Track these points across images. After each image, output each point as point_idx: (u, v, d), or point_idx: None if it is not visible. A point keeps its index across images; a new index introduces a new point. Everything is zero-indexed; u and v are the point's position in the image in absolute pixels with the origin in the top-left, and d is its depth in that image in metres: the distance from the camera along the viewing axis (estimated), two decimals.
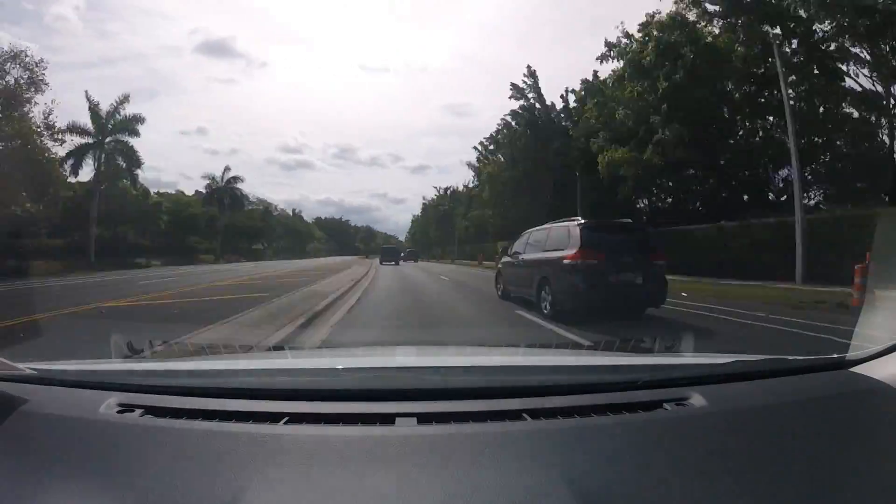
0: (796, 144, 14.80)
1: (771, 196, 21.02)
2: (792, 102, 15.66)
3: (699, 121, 18.68)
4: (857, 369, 1.20)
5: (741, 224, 17.60)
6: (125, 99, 31.50)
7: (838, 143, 18.33)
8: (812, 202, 19.05)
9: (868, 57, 15.79)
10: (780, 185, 20.51)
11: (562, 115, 29.48)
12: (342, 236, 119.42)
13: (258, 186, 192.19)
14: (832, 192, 19.63)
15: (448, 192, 60.52)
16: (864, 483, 0.84)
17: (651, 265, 7.06)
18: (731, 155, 20.34)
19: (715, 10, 17.44)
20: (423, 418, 0.97)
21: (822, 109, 18.00)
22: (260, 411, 1.00)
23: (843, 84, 17.24)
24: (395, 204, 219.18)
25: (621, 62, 20.95)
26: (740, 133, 20.84)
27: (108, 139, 31.52)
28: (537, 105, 29.54)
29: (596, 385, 1.18)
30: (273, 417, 0.98)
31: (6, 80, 21.88)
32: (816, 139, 18.44)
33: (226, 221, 50.68)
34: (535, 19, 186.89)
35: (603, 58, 21.90)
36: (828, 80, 17.13)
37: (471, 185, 46.87)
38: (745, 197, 21.26)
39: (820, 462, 0.88)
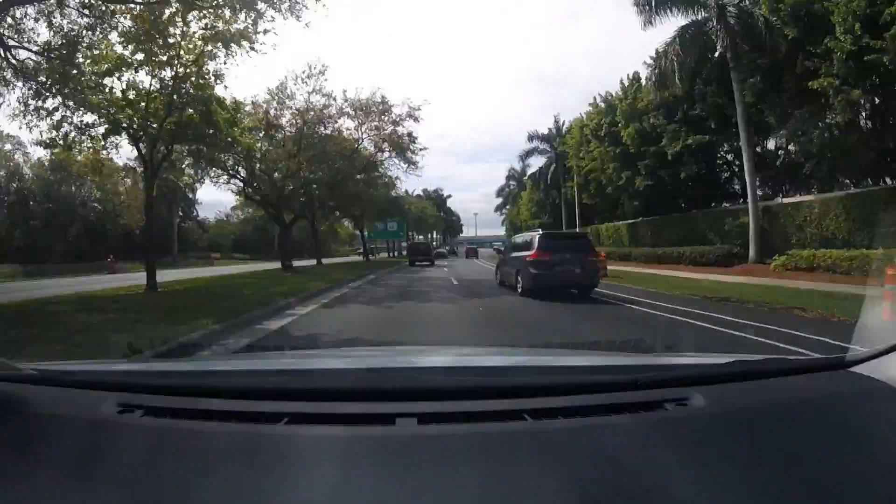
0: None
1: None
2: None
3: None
4: (857, 369, 1.20)
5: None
6: None
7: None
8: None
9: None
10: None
11: None
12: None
13: None
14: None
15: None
16: (864, 483, 0.84)
17: (587, 260, 11.09)
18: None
19: None
20: (424, 418, 0.97)
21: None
22: (260, 411, 1.00)
23: None
24: None
25: None
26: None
27: None
28: None
29: (596, 385, 1.18)
30: (273, 417, 0.98)
31: None
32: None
33: None
34: None
35: None
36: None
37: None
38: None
39: (820, 462, 0.88)
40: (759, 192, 20.01)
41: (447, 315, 8.92)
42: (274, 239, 44.60)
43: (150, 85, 12.05)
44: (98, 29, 10.91)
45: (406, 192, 53.49)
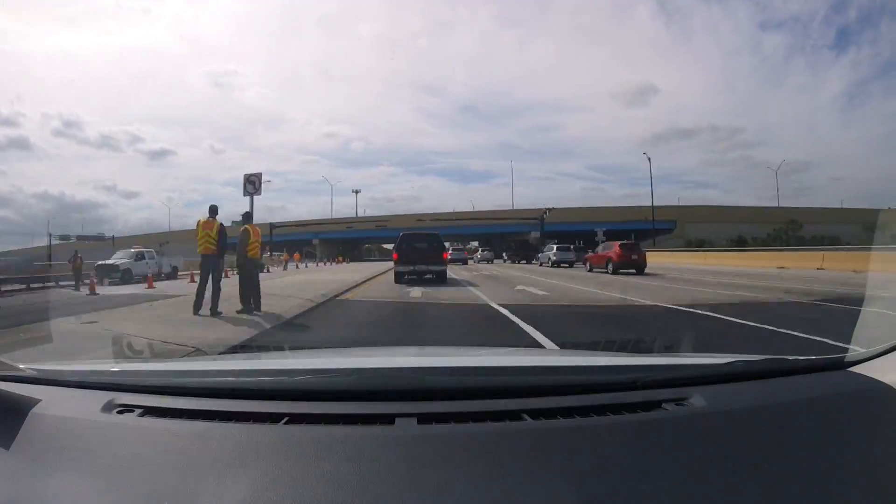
0: None
1: None
2: None
3: None
4: (857, 369, 1.20)
5: None
6: None
7: None
8: None
9: None
10: None
11: None
12: None
13: None
14: None
15: None
16: (864, 483, 0.84)
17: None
18: None
19: None
20: (423, 418, 0.97)
21: None
22: (260, 411, 1.01)
23: None
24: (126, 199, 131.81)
25: None
26: None
27: None
28: None
29: (595, 385, 1.18)
30: (273, 417, 0.98)
31: None
32: None
33: None
34: None
35: None
36: None
37: None
38: None
39: (820, 462, 0.88)
40: None
41: None
42: None
43: None
44: None
45: None
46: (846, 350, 1.43)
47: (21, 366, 1.22)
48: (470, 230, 62.41)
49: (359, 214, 61.47)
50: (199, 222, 8.07)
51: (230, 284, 8.72)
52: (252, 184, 15.72)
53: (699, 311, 7.84)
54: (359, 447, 0.88)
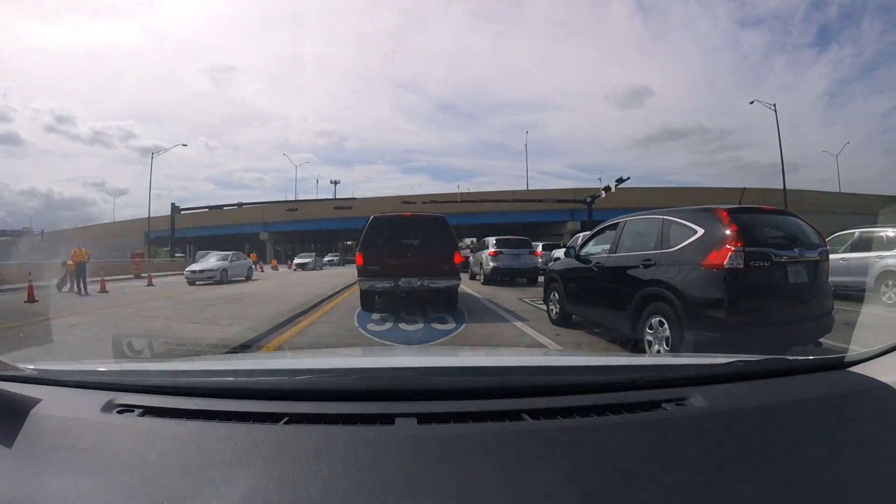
0: None
1: None
2: None
3: None
4: (857, 369, 1.20)
5: None
6: None
7: None
8: None
9: None
10: None
11: None
12: None
13: None
14: None
15: None
16: (864, 483, 0.84)
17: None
18: None
19: None
20: (423, 418, 0.97)
21: None
22: (260, 411, 1.01)
23: None
24: (116, 196, 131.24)
25: None
26: None
27: None
28: None
29: (595, 385, 1.18)
30: (273, 417, 0.98)
31: None
32: None
33: None
34: None
35: None
36: None
37: None
38: None
39: (820, 462, 0.88)
40: None
41: None
42: None
43: None
44: None
45: None
46: (846, 350, 1.43)
47: (21, 366, 1.22)
48: (477, 219, 42.02)
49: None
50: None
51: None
52: None
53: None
54: (359, 447, 0.88)
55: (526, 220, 43.43)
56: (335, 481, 0.79)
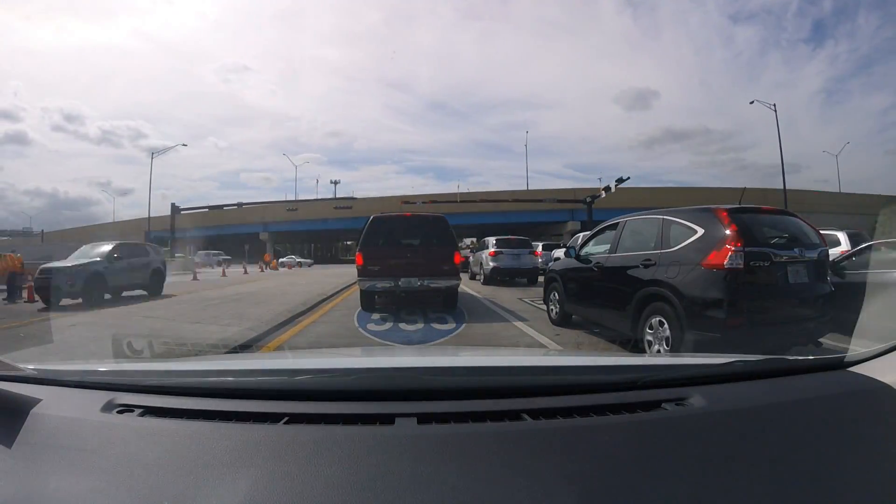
0: None
1: None
2: None
3: None
4: (857, 369, 1.20)
5: None
6: None
7: None
8: None
9: None
10: None
11: None
12: None
13: None
14: None
15: None
16: (864, 483, 0.84)
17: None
18: None
19: None
20: (423, 418, 0.97)
21: None
22: (260, 411, 1.01)
23: None
24: (121, 196, 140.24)
25: None
26: None
27: None
28: None
29: (595, 385, 1.18)
30: (273, 417, 0.98)
31: None
32: None
33: None
34: None
35: None
36: None
37: None
38: None
39: (820, 462, 0.88)
40: None
41: None
42: None
43: None
44: None
45: None
46: (846, 350, 1.43)
47: (21, 365, 1.22)
48: (477, 219, 42.88)
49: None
50: None
51: None
52: None
53: None
54: (359, 447, 0.88)
55: (526, 220, 43.68)
56: (335, 481, 0.79)
